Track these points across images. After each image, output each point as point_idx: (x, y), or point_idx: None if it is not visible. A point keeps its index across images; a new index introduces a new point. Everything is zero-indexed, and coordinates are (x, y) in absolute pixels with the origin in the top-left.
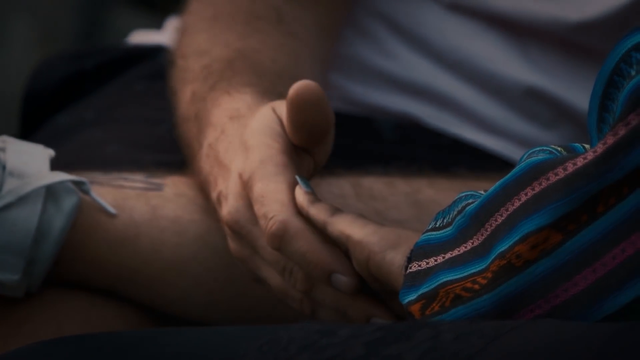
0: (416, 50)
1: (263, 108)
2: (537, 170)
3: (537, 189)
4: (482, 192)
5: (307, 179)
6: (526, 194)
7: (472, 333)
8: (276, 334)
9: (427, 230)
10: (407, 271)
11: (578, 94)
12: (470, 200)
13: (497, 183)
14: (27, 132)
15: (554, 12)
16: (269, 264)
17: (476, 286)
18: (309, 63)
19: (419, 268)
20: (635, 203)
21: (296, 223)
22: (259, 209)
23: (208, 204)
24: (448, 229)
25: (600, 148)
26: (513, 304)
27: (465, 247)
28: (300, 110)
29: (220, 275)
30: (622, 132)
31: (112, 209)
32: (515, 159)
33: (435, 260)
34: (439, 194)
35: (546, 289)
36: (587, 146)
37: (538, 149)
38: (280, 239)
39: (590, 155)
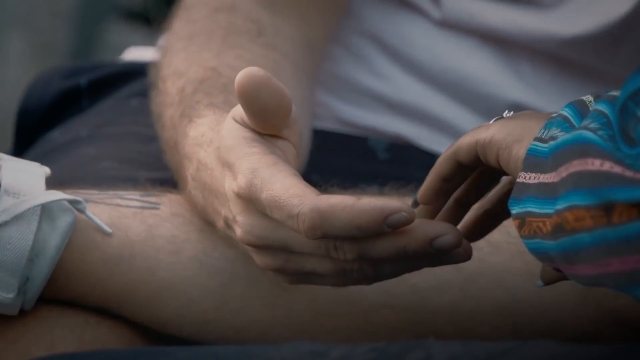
0: (407, 72)
1: (224, 123)
2: (585, 150)
3: (581, 167)
4: (591, 98)
5: (296, 163)
6: (575, 166)
7: (463, 356)
8: (268, 354)
9: (536, 138)
10: (517, 180)
11: None
12: (558, 132)
13: (565, 138)
14: (21, 147)
15: (546, 28)
16: (311, 255)
17: (544, 229)
18: (290, 72)
19: (524, 180)
20: None
21: (324, 202)
22: (280, 214)
23: (204, 224)
24: (545, 146)
25: None
26: (571, 257)
27: (550, 178)
28: (252, 98)
29: (215, 296)
30: None
31: (107, 228)
32: None
33: (533, 178)
34: None
35: (592, 258)
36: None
37: (596, 113)
38: (320, 227)
39: (628, 174)
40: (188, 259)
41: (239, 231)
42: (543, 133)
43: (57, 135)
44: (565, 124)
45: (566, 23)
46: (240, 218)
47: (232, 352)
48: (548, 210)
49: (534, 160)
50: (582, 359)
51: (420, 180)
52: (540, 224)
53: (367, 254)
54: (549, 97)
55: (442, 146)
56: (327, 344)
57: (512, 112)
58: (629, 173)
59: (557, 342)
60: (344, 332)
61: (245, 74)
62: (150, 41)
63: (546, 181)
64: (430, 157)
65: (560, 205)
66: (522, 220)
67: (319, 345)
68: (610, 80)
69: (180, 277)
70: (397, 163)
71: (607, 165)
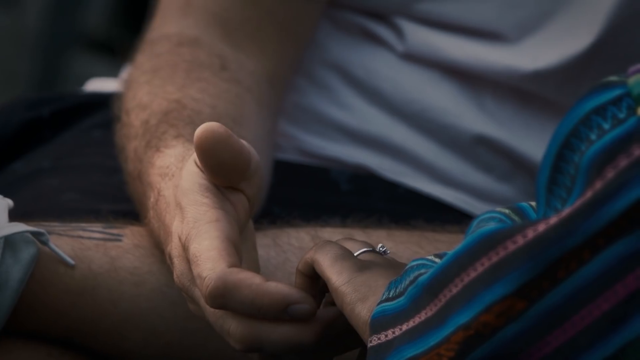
0: (371, 102)
1: (187, 164)
2: (491, 240)
3: (494, 259)
4: (435, 259)
5: (247, 215)
6: (482, 264)
7: None
8: None
9: (382, 301)
10: (369, 345)
11: (533, 145)
12: (422, 271)
13: (450, 253)
14: None
15: (509, 62)
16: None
17: (444, 358)
18: (252, 107)
19: (379, 342)
20: (597, 268)
21: (232, 275)
22: (194, 270)
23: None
24: (401, 299)
25: (565, 212)
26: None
27: (420, 318)
28: (209, 154)
29: (178, 327)
30: (588, 194)
31: (70, 260)
32: (472, 212)
33: (394, 333)
34: (397, 246)
35: (519, 350)
36: (533, 204)
37: (487, 216)
38: (222, 297)
39: (553, 220)
40: (151, 291)
41: (174, 273)
42: (390, 293)
43: (19, 166)
44: (423, 267)
45: (528, 57)
46: (175, 261)
47: None
48: (433, 341)
49: (384, 320)
50: None
51: (383, 211)
52: (435, 357)
53: (258, 346)
54: (512, 129)
55: (404, 177)
56: None
57: (385, 248)
58: (564, 212)
59: None
60: None
61: (205, 129)
62: (115, 71)
63: (416, 323)
64: (392, 188)
65: (465, 318)
66: None
67: None
68: None
69: (144, 309)
70: (360, 194)
71: (542, 225)
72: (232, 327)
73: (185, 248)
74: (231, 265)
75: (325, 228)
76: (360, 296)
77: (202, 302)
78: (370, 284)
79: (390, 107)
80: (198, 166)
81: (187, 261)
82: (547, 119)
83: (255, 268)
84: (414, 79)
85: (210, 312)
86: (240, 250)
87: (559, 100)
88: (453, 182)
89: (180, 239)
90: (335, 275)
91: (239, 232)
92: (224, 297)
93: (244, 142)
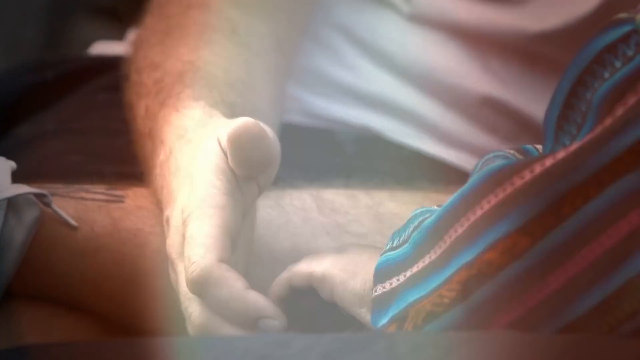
0: (376, 63)
1: (210, 141)
2: (499, 177)
3: (500, 195)
4: (437, 207)
5: (254, 201)
6: (489, 202)
7: (427, 345)
8: (232, 345)
9: (385, 251)
10: (374, 295)
11: (538, 106)
12: (426, 216)
13: (455, 194)
14: None
15: (515, 23)
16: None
17: (445, 300)
18: (262, 73)
19: (384, 290)
20: (602, 205)
21: (219, 270)
22: (186, 250)
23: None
24: (405, 246)
25: (573, 146)
26: (488, 310)
27: (424, 262)
28: (241, 149)
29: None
30: (597, 130)
31: (73, 221)
32: None
33: (398, 280)
34: (400, 207)
35: (520, 291)
36: (538, 147)
37: (492, 155)
38: (201, 286)
39: (560, 154)
40: (153, 252)
41: (167, 240)
42: (394, 242)
43: (23, 130)
44: (427, 212)
45: (535, 18)
46: (172, 230)
47: (196, 343)
48: (435, 283)
49: (389, 268)
50: (545, 348)
51: (387, 173)
52: (437, 299)
53: None
54: (517, 90)
55: (409, 138)
56: (290, 334)
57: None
58: (572, 146)
59: (520, 332)
60: None
61: (242, 125)
62: (120, 37)
63: (420, 267)
64: (398, 149)
65: (469, 257)
66: (403, 317)
67: (282, 335)
68: None
69: (146, 271)
70: (365, 156)
71: (549, 160)
72: (195, 313)
73: (184, 223)
74: (222, 260)
75: (328, 189)
76: (349, 274)
77: (181, 278)
78: (356, 261)
79: (396, 68)
80: (221, 147)
81: (182, 236)
82: (553, 80)
83: (248, 247)
84: (419, 41)
85: (183, 291)
86: (236, 243)
87: (565, 62)
88: (458, 143)
89: (182, 212)
90: (317, 265)
91: (241, 220)
92: (203, 287)
93: (272, 137)
